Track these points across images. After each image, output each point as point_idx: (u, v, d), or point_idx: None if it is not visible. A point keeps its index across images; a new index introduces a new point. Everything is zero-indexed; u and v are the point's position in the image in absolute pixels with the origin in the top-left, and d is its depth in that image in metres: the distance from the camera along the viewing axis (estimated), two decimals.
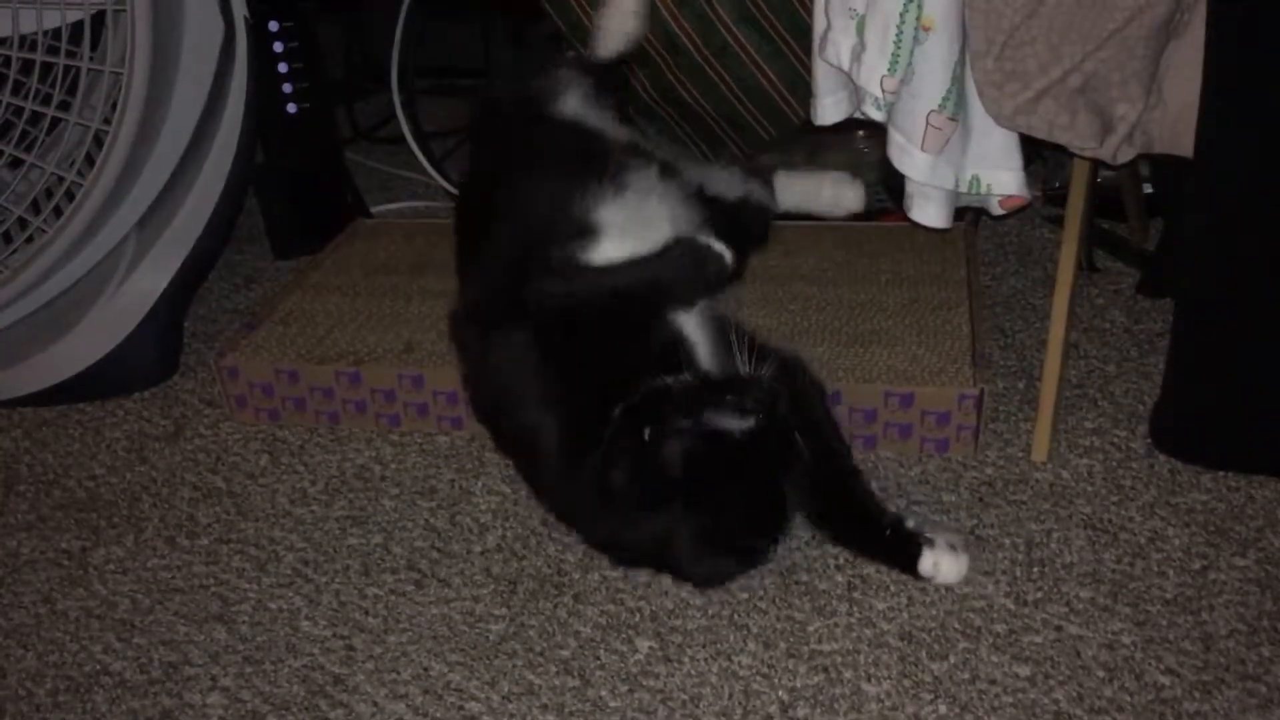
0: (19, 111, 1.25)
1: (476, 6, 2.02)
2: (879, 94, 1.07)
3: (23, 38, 1.23)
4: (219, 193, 1.40)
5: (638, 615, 0.99)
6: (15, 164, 1.28)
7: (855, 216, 1.41)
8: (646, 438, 0.93)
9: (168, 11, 1.26)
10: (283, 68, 1.61)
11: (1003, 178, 1.10)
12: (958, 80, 1.04)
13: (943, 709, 0.88)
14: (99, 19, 1.22)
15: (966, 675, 0.91)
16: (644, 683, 0.93)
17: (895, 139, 1.08)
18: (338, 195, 1.73)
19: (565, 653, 0.96)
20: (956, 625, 0.96)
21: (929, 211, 1.13)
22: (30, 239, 1.29)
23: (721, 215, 1.19)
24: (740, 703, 0.90)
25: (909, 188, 1.14)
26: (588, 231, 1.07)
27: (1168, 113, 1.03)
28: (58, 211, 1.28)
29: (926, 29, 1.02)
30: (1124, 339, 1.33)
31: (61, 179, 1.27)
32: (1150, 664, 0.90)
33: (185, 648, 1.00)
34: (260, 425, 1.30)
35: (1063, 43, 0.98)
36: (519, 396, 1.04)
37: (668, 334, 1.02)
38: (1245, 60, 0.97)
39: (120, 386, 1.39)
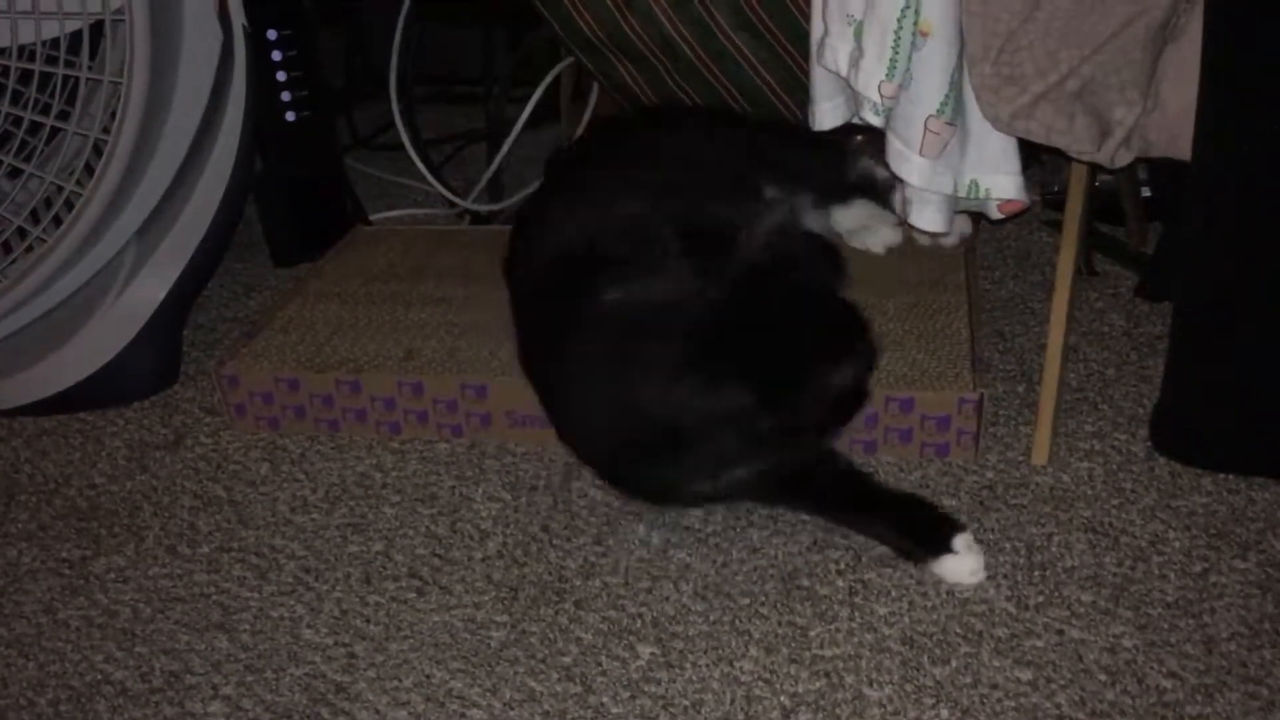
0: (18, 121, 1.25)
1: (476, 14, 2.03)
2: (877, 99, 1.07)
3: (21, 48, 1.23)
4: (218, 201, 1.40)
5: (639, 621, 0.99)
6: (14, 173, 1.28)
7: None
8: None
9: (166, 21, 1.26)
10: (281, 76, 1.62)
11: (1001, 182, 1.10)
12: (956, 85, 1.04)
13: (945, 713, 0.88)
14: (97, 29, 1.22)
15: (968, 679, 0.91)
16: (646, 689, 0.93)
17: (894, 144, 1.09)
18: (337, 203, 1.73)
19: (567, 659, 0.96)
20: (958, 629, 0.96)
21: (927, 215, 1.14)
22: (30, 248, 1.29)
23: None
24: (742, 708, 0.90)
25: (908, 193, 1.15)
26: None
27: (1165, 116, 1.03)
28: (57, 221, 1.28)
29: (924, 34, 1.02)
30: (1123, 342, 1.33)
31: (61, 188, 1.26)
32: (1152, 667, 0.90)
33: (187, 656, 1.00)
34: (260, 433, 1.30)
35: (1060, 47, 0.98)
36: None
37: None
38: (1243, 63, 0.97)
39: (120, 395, 1.38)
